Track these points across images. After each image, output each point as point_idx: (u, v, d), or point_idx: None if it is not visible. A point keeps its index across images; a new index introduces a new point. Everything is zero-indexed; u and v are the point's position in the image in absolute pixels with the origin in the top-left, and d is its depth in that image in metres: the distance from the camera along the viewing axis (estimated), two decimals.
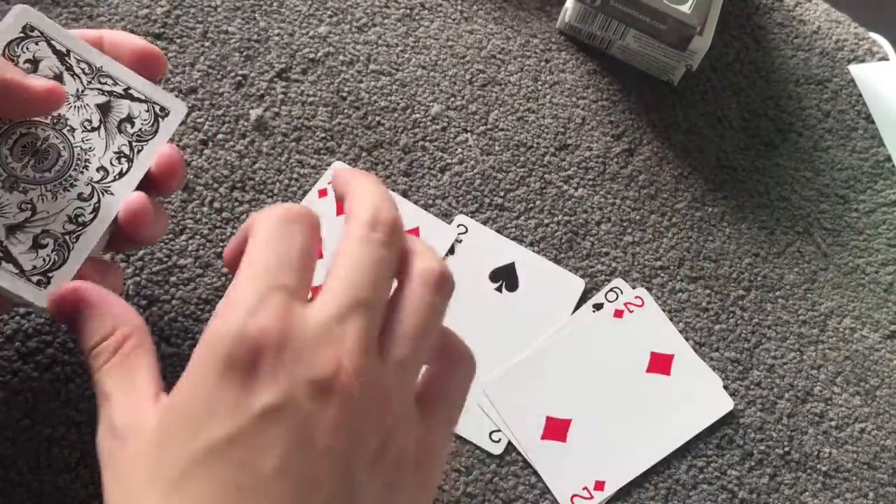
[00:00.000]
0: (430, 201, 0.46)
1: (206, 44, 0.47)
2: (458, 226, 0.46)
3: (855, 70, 0.57)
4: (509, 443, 0.42)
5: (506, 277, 0.45)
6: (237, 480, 0.23)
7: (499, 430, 0.42)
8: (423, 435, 0.27)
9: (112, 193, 0.34)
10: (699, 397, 0.44)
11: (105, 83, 0.35)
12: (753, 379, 0.46)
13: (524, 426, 0.42)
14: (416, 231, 0.45)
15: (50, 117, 0.33)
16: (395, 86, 0.49)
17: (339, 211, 0.36)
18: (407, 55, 0.50)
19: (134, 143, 0.35)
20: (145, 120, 0.35)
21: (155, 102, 0.35)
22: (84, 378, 0.38)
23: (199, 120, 0.45)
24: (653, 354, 0.45)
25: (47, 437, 0.37)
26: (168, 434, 0.25)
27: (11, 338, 0.38)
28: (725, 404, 0.44)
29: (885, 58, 0.58)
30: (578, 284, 0.46)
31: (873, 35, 0.59)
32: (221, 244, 0.43)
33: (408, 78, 0.49)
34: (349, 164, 0.46)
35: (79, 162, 0.34)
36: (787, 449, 0.45)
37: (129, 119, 0.35)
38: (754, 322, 0.47)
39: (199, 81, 0.46)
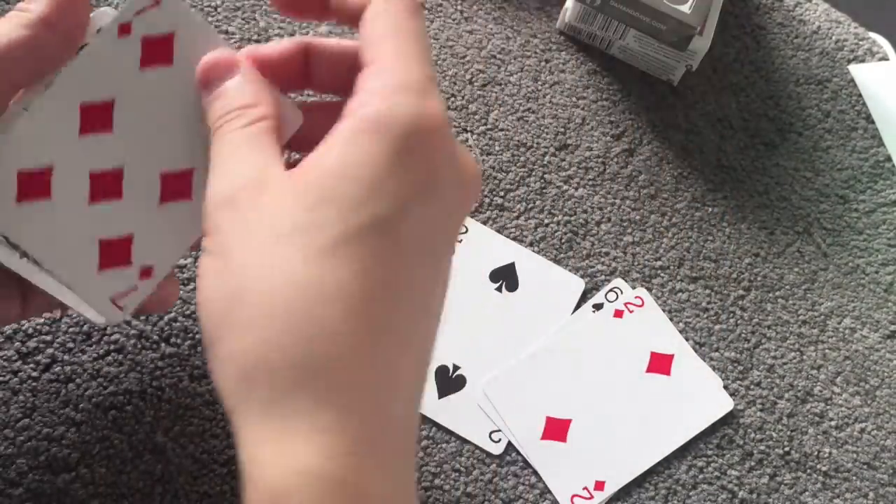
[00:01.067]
0: None
1: None
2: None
3: (855, 70, 0.57)
4: (509, 443, 0.42)
5: (506, 277, 0.45)
6: (399, 259, 0.24)
7: (499, 430, 0.42)
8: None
9: None
10: (699, 397, 0.44)
11: None
12: (753, 379, 0.46)
13: (524, 426, 0.42)
14: None
15: None
16: None
17: (145, 63, 0.28)
18: None
19: None
20: None
21: None
22: (84, 378, 0.39)
23: None
24: (653, 354, 0.45)
25: (47, 437, 0.37)
26: (327, 196, 0.24)
27: (11, 338, 0.38)
28: (725, 404, 0.44)
29: (885, 58, 0.58)
30: (578, 284, 0.46)
31: (873, 35, 0.59)
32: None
33: None
34: None
35: None
36: (787, 449, 0.45)
37: None
38: (754, 322, 0.47)
39: None
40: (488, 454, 0.41)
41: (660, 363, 0.45)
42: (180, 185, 0.29)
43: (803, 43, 0.57)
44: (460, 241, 0.45)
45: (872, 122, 0.55)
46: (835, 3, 0.59)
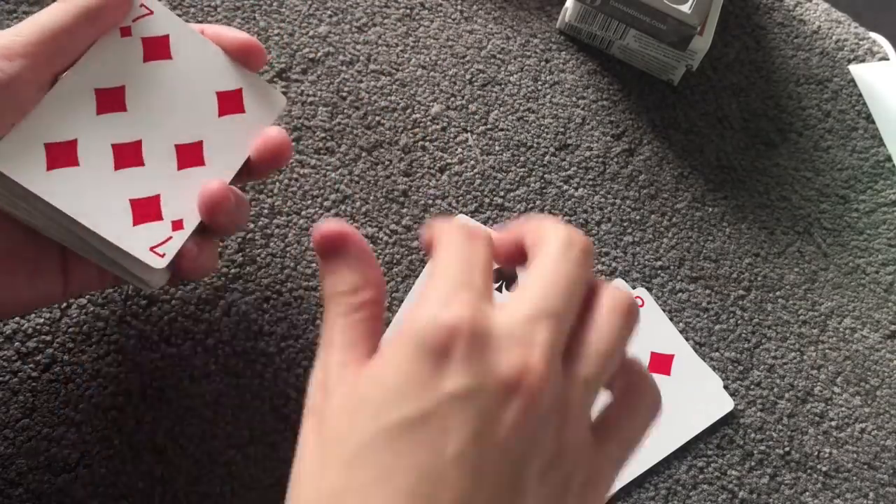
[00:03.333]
0: (430, 201, 0.46)
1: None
2: None
3: (855, 70, 0.57)
4: None
5: (506, 277, 0.45)
6: (418, 460, 0.24)
7: None
8: (593, 463, 0.28)
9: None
10: (699, 397, 0.44)
11: None
12: (753, 379, 0.46)
13: None
14: (238, 94, 0.38)
15: None
16: (395, 86, 0.49)
17: (148, 57, 0.35)
18: (407, 55, 0.50)
19: None
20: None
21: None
22: (84, 378, 0.39)
23: None
24: (653, 354, 0.45)
25: (47, 437, 0.37)
26: (360, 403, 0.25)
27: (11, 338, 0.38)
28: (726, 404, 0.44)
29: (885, 58, 0.58)
30: None
31: (873, 35, 0.59)
32: (221, 244, 0.43)
33: (408, 78, 0.49)
34: (349, 164, 0.46)
35: None
36: (787, 449, 0.45)
37: None
38: (754, 322, 0.47)
39: None
40: None
41: (660, 363, 0.45)
42: (193, 155, 0.34)
43: (803, 43, 0.57)
44: None
45: (872, 122, 0.55)
46: (835, 3, 0.59)
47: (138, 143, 0.33)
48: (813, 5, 0.58)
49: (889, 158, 0.54)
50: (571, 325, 0.27)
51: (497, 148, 0.49)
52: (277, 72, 0.47)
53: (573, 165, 0.49)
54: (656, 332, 0.45)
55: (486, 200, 0.47)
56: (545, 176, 0.48)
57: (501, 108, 0.50)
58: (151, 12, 0.34)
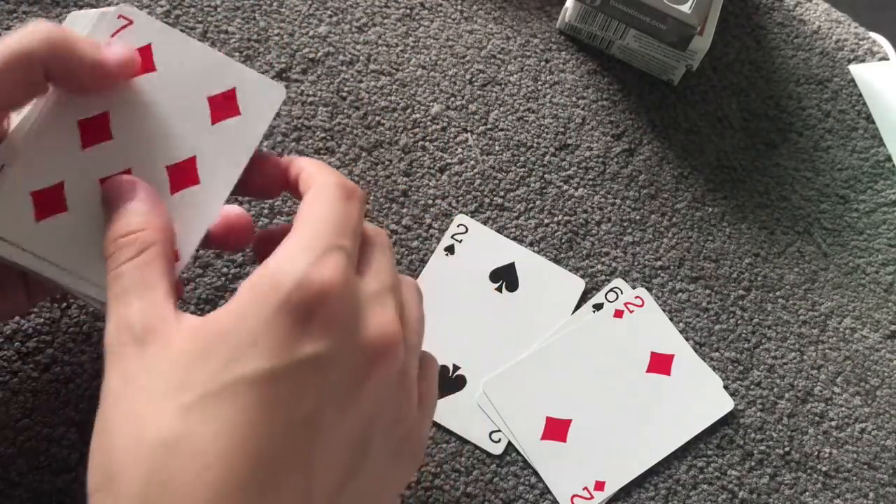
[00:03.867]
0: (430, 201, 0.46)
1: (206, 44, 0.47)
2: (459, 225, 0.46)
3: (855, 70, 0.57)
4: (509, 443, 0.42)
5: (506, 277, 0.45)
6: (264, 417, 0.23)
7: (499, 430, 0.42)
8: (419, 422, 0.29)
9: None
10: (699, 397, 0.44)
11: None
12: (753, 379, 0.46)
13: (524, 426, 0.42)
14: (232, 95, 0.35)
15: None
16: (395, 86, 0.49)
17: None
18: (407, 55, 0.50)
19: None
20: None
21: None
22: (84, 378, 0.38)
23: None
24: (653, 354, 0.45)
25: (47, 437, 0.37)
26: (201, 354, 0.24)
27: (11, 338, 0.38)
28: (726, 404, 0.44)
29: (885, 58, 0.58)
30: (578, 284, 0.46)
31: (873, 35, 0.59)
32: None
33: (408, 78, 0.49)
34: (349, 163, 0.46)
35: None
36: (787, 449, 0.45)
37: None
38: (754, 322, 0.47)
39: None
40: (488, 454, 0.41)
41: (660, 363, 0.45)
42: (186, 174, 0.31)
43: (803, 43, 0.57)
44: (460, 242, 0.45)
45: (873, 122, 0.55)
46: (835, 3, 0.59)
47: (128, 173, 0.30)
48: (813, 5, 0.58)
49: (889, 158, 0.54)
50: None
51: (497, 148, 0.49)
52: (277, 72, 0.47)
53: (573, 165, 0.49)
54: (656, 332, 0.45)
55: (486, 200, 0.47)
56: (545, 176, 0.49)
57: (501, 108, 0.50)
58: (131, 22, 0.30)
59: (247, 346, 0.24)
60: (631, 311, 0.45)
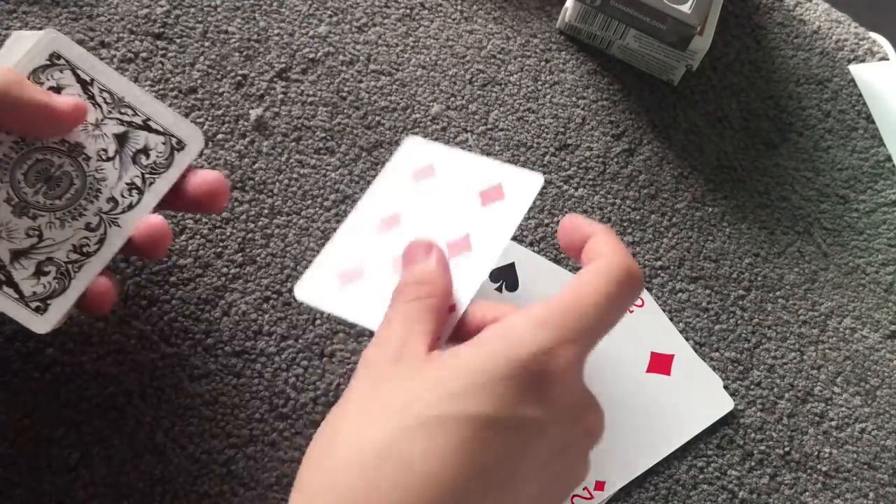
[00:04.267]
0: None
1: (206, 44, 0.47)
2: None
3: (855, 70, 0.57)
4: None
5: (506, 277, 0.45)
6: (472, 453, 0.25)
7: None
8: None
9: (119, 225, 0.34)
10: (699, 397, 0.44)
11: (125, 113, 0.35)
12: (753, 379, 0.46)
13: None
14: (498, 188, 0.44)
15: (66, 145, 0.33)
16: (395, 86, 0.49)
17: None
18: (407, 55, 0.50)
19: (147, 176, 0.35)
20: (160, 152, 0.35)
21: (172, 135, 0.35)
22: (84, 378, 0.39)
23: (199, 120, 0.45)
24: (653, 354, 0.45)
25: (47, 437, 0.37)
26: (435, 382, 0.27)
27: (11, 338, 0.38)
28: (726, 404, 0.44)
29: (885, 58, 0.58)
30: None
31: (873, 35, 0.59)
32: (221, 244, 0.43)
33: (408, 78, 0.49)
34: (349, 164, 0.46)
35: (90, 191, 0.34)
36: (787, 449, 0.45)
37: (145, 150, 0.35)
38: (754, 322, 0.47)
39: (199, 81, 0.46)
40: None
41: (660, 363, 0.45)
42: (462, 245, 0.36)
43: (803, 43, 0.57)
44: None
45: (872, 122, 0.55)
46: (835, 3, 0.59)
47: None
48: (813, 5, 0.58)
49: (889, 158, 0.54)
50: None
51: (497, 148, 0.49)
52: (277, 72, 0.47)
53: (573, 165, 0.49)
54: (657, 332, 0.45)
55: None
56: (545, 176, 0.48)
57: (501, 108, 0.50)
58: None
59: (478, 389, 0.26)
60: (631, 312, 0.45)
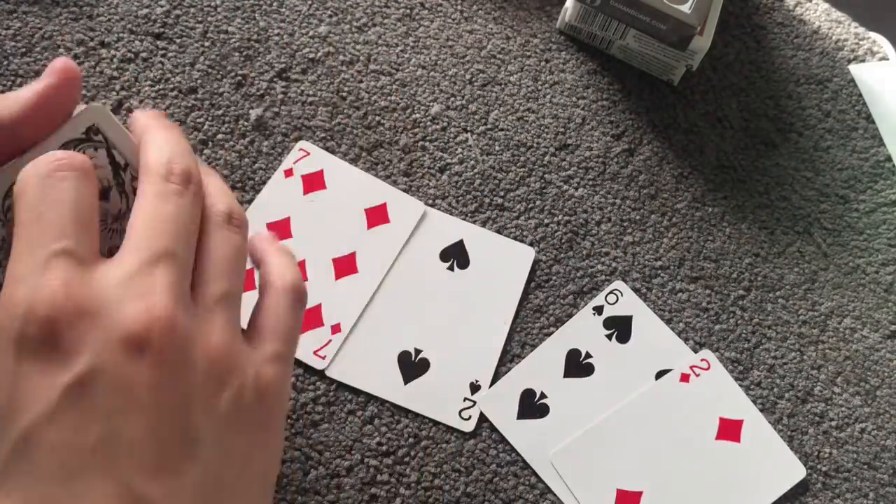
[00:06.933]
0: (430, 201, 0.46)
1: (206, 44, 0.47)
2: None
3: (855, 70, 0.57)
4: (488, 424, 0.41)
5: (456, 255, 0.45)
6: (60, 461, 0.22)
7: (469, 408, 0.41)
8: (258, 370, 0.26)
9: None
10: (770, 464, 0.43)
11: None
12: (754, 379, 0.46)
13: (594, 499, 0.40)
14: (383, 207, 0.45)
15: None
16: (395, 86, 0.49)
17: (307, 189, 0.39)
18: (407, 55, 0.50)
19: None
20: None
21: None
22: None
23: (198, 120, 0.45)
24: (721, 420, 0.43)
25: None
26: None
27: None
28: (798, 472, 0.43)
29: (885, 58, 0.58)
30: (528, 253, 0.45)
31: (873, 35, 0.59)
32: None
33: (408, 78, 0.49)
34: (349, 163, 0.46)
35: None
36: None
37: None
38: (754, 322, 0.47)
39: (199, 81, 0.46)
40: (489, 453, 0.41)
41: (729, 429, 0.43)
42: (347, 265, 0.38)
43: (803, 43, 0.57)
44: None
45: (872, 122, 0.55)
46: (835, 3, 0.59)
47: (301, 264, 0.38)
48: (813, 5, 0.58)
49: (889, 158, 0.54)
50: (192, 258, 0.26)
51: (497, 148, 0.49)
52: (277, 72, 0.47)
53: (573, 165, 0.49)
54: (723, 396, 0.44)
55: (486, 200, 0.47)
56: (545, 176, 0.48)
57: (501, 108, 0.50)
58: (308, 154, 0.38)
59: (10, 406, 0.22)
60: (697, 375, 0.44)
